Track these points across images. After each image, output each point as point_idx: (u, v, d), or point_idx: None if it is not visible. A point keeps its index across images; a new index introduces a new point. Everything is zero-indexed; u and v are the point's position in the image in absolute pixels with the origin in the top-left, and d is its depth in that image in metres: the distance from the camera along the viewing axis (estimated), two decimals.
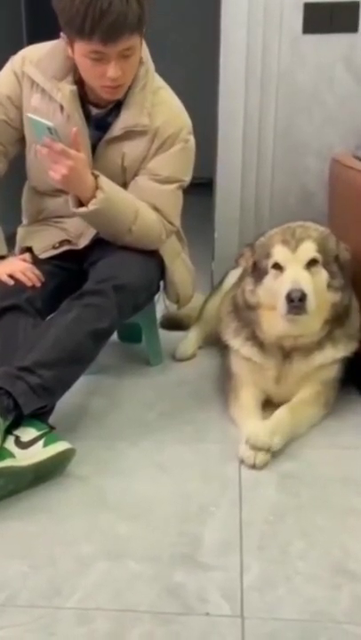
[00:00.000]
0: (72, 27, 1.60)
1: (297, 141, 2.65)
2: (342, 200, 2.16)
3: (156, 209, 1.84)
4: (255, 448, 1.60)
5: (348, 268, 1.82)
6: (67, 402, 1.73)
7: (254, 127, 2.65)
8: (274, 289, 1.72)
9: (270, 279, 1.74)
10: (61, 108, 1.78)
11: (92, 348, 1.72)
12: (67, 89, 1.76)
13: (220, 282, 2.33)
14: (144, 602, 1.21)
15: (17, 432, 1.51)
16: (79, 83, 1.78)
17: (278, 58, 2.55)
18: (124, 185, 1.85)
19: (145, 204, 1.83)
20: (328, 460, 1.65)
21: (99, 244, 1.90)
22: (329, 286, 1.75)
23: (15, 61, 1.83)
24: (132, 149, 1.82)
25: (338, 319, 1.80)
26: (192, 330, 2.36)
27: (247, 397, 1.83)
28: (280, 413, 1.72)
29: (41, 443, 1.51)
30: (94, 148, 1.83)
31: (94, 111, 1.82)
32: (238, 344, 1.88)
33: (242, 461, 1.62)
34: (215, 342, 2.21)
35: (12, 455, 1.47)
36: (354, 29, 2.48)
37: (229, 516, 1.44)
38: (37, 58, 1.80)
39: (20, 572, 1.29)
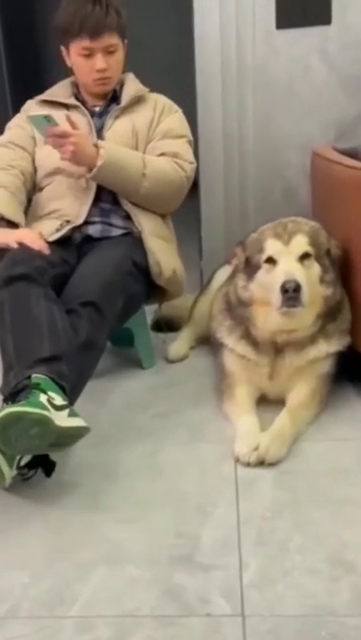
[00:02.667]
0: (67, 31, 2.00)
1: (277, 135, 2.65)
2: (325, 193, 2.17)
3: (174, 155, 2.08)
4: (266, 460, 1.60)
5: (338, 263, 1.83)
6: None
7: (233, 123, 2.66)
8: (267, 283, 1.73)
9: (263, 273, 1.75)
10: (67, 107, 2.09)
11: (78, 361, 1.70)
12: (72, 99, 2.14)
13: (209, 281, 2.33)
14: (144, 606, 1.21)
15: (49, 393, 1.49)
16: (78, 97, 2.14)
17: (253, 52, 2.56)
18: (135, 148, 2.08)
19: (150, 156, 2.06)
20: (322, 453, 1.66)
21: (89, 240, 2.03)
22: (321, 280, 1.76)
23: (25, 105, 2.20)
24: (139, 118, 2.11)
25: (330, 313, 1.81)
26: (183, 330, 2.36)
27: (242, 395, 1.83)
28: (281, 422, 1.71)
29: (67, 412, 1.51)
30: (102, 128, 2.08)
31: (96, 109, 2.13)
32: (232, 342, 1.89)
33: (237, 460, 1.62)
34: (207, 341, 2.22)
35: (47, 409, 1.44)
36: (327, 22, 2.48)
37: (227, 515, 1.45)
38: (42, 94, 2.18)
39: (20, 582, 1.29)
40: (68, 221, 2.03)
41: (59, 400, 1.49)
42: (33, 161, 2.11)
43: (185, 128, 2.18)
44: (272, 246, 1.74)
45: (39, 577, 1.30)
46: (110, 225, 2.07)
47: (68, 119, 1.94)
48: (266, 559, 1.31)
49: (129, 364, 2.26)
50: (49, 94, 2.17)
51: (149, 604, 1.22)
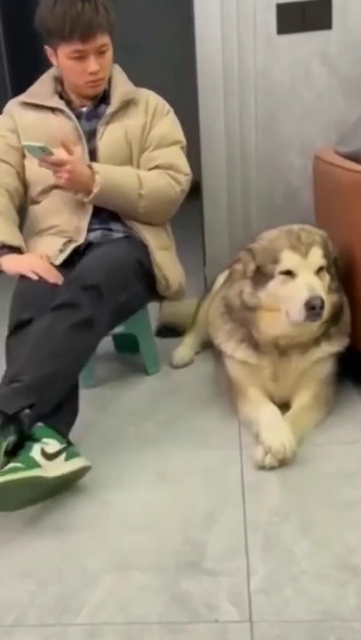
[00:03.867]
0: (54, 33, 1.89)
1: (279, 138, 2.66)
2: (327, 196, 2.17)
3: (169, 167, 2.04)
4: (266, 468, 1.60)
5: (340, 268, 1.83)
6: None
7: (235, 127, 2.67)
8: (282, 294, 1.71)
9: (278, 284, 1.72)
10: (52, 111, 2.03)
11: (76, 340, 1.72)
12: (55, 98, 2.06)
13: (211, 286, 2.33)
14: (152, 613, 1.21)
15: (42, 442, 1.51)
16: (63, 96, 2.07)
17: (254, 57, 2.57)
18: (129, 159, 2.05)
19: (143, 171, 2.03)
20: (328, 457, 1.66)
21: (90, 246, 2.02)
22: (329, 288, 1.76)
23: (6, 106, 2.12)
24: (131, 123, 2.04)
25: (334, 317, 1.81)
26: (187, 336, 2.36)
27: (254, 393, 1.82)
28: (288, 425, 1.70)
29: (63, 456, 1.53)
30: (93, 134, 2.03)
31: (82, 109, 2.05)
32: (232, 347, 1.88)
33: (263, 467, 1.61)
34: (211, 346, 2.22)
35: (38, 465, 1.47)
36: (328, 26, 2.49)
37: (233, 521, 1.45)
38: (24, 94, 2.10)
39: (27, 590, 1.29)
40: (69, 240, 2.01)
41: (54, 445, 1.52)
42: (19, 173, 2.06)
43: (177, 131, 2.12)
44: (290, 259, 1.70)
45: (46, 585, 1.30)
46: (110, 230, 2.07)
47: (64, 145, 1.89)
48: (273, 564, 1.31)
49: (134, 370, 2.26)
50: (31, 95, 2.08)
51: (157, 610, 1.22)
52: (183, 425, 1.87)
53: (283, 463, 1.61)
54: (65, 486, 1.54)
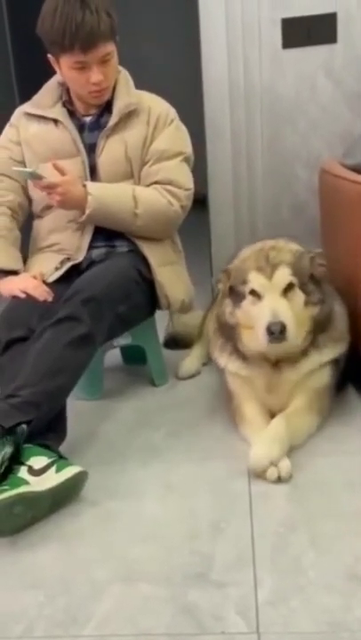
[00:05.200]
0: (55, 44, 1.84)
1: (285, 151, 2.68)
2: (333, 209, 2.18)
3: (169, 182, 1.99)
4: (258, 474, 1.61)
5: (326, 279, 1.82)
6: (73, 426, 1.75)
7: (242, 141, 2.69)
8: (252, 314, 1.74)
9: (248, 304, 1.76)
10: (55, 122, 2.01)
11: (75, 355, 1.74)
12: (57, 107, 2.03)
13: (216, 297, 2.34)
14: (159, 624, 1.21)
15: (29, 462, 1.53)
16: (67, 104, 2.04)
17: (260, 71, 2.60)
18: (130, 174, 2.01)
19: (140, 187, 1.99)
20: (334, 467, 1.65)
21: (93, 263, 2.01)
22: (307, 303, 1.76)
23: (13, 116, 2.12)
24: (132, 135, 1.99)
25: (320, 327, 1.81)
26: (194, 348, 2.37)
27: (251, 412, 1.83)
28: (274, 425, 1.72)
29: (53, 469, 1.53)
30: (94, 148, 2.00)
31: (86, 119, 2.03)
32: (224, 361, 1.91)
33: (254, 465, 1.62)
34: None
35: (26, 482, 1.49)
36: (333, 40, 2.51)
37: (240, 532, 1.45)
38: (30, 102, 2.09)
39: (35, 601, 1.30)
40: (67, 258, 2.02)
41: (42, 461, 1.53)
42: (23, 187, 2.07)
43: (180, 142, 2.05)
44: (255, 280, 1.72)
45: (54, 596, 1.30)
46: (114, 247, 2.06)
47: (55, 166, 1.89)
48: (280, 575, 1.31)
49: (141, 381, 2.27)
50: (35, 104, 2.06)
51: (164, 622, 1.22)
52: (190, 436, 1.88)
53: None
54: (65, 496, 1.54)
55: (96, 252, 2.04)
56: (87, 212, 1.92)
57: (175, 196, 2.00)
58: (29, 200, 2.11)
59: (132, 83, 2.06)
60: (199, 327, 2.39)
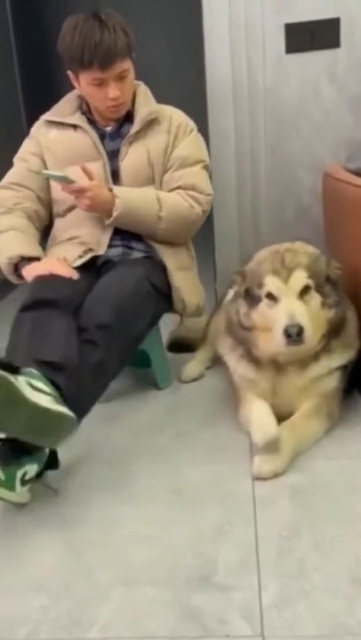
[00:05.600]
0: (74, 61, 1.93)
1: (288, 156, 2.69)
2: (336, 213, 2.18)
3: (191, 187, 2.05)
4: (260, 479, 1.62)
5: (341, 282, 1.83)
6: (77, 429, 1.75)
7: (245, 146, 2.69)
8: (269, 317, 1.74)
9: (264, 307, 1.76)
10: (74, 128, 2.08)
11: (92, 382, 1.73)
12: (77, 115, 2.11)
13: (221, 301, 2.35)
14: (163, 627, 1.21)
15: (32, 380, 1.47)
16: (87, 114, 2.11)
17: (263, 76, 2.61)
18: (152, 180, 2.07)
19: (164, 192, 2.05)
20: (339, 471, 1.65)
21: (109, 263, 2.05)
22: (323, 305, 1.76)
23: (32, 128, 2.17)
24: (153, 142, 2.06)
25: (334, 331, 1.81)
26: (198, 351, 2.37)
27: (253, 396, 1.84)
28: (281, 433, 1.71)
29: (48, 398, 1.47)
30: (116, 154, 2.06)
31: (107, 129, 2.09)
32: (234, 361, 1.91)
33: (259, 477, 1.63)
34: (221, 360, 2.23)
35: (17, 381, 1.42)
36: (336, 45, 2.52)
37: (244, 535, 1.45)
38: (49, 112, 2.15)
39: (39, 605, 1.29)
40: (90, 249, 2.05)
41: (41, 386, 1.46)
42: (40, 197, 2.11)
43: (201, 150, 2.14)
44: (271, 284, 1.73)
45: (58, 599, 1.30)
46: (131, 249, 2.09)
47: (84, 170, 1.93)
48: (285, 579, 1.30)
49: (145, 384, 2.27)
50: (55, 113, 2.13)
51: (168, 625, 1.22)
52: (194, 439, 1.88)
53: (276, 472, 1.63)
54: (43, 427, 1.44)
55: (113, 251, 2.07)
56: (115, 214, 1.95)
57: (197, 200, 2.05)
58: (46, 210, 2.15)
59: (151, 95, 2.14)
60: (203, 331, 2.39)
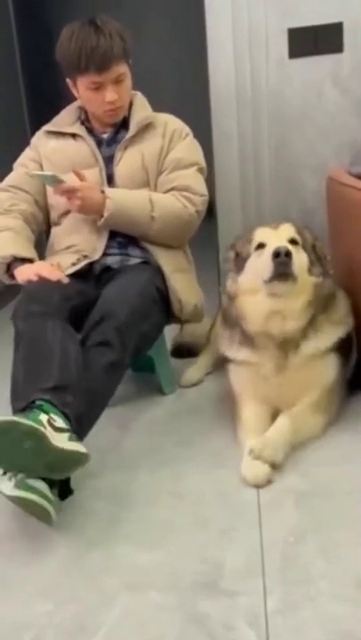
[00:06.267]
0: (72, 67, 1.96)
1: (292, 159, 2.69)
2: (340, 216, 2.18)
3: (185, 188, 2.06)
4: (261, 459, 1.64)
5: (328, 263, 1.86)
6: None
7: (249, 150, 2.70)
8: (258, 267, 1.76)
9: (253, 260, 1.79)
10: (73, 137, 2.11)
11: (107, 382, 1.79)
12: (76, 125, 2.14)
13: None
14: (169, 633, 1.21)
15: (52, 415, 1.50)
16: (86, 122, 2.14)
17: (267, 80, 2.61)
18: (146, 183, 2.08)
19: (157, 193, 2.06)
20: (343, 475, 1.65)
21: (109, 270, 2.05)
22: (309, 271, 1.79)
23: (33, 138, 2.22)
24: (148, 147, 2.08)
25: (322, 304, 1.82)
26: (201, 356, 2.38)
27: (249, 418, 1.84)
28: (280, 424, 1.74)
29: (67, 435, 1.50)
30: (112, 159, 2.08)
31: (104, 136, 2.12)
32: (234, 351, 1.91)
33: (245, 480, 1.63)
34: (225, 365, 2.23)
35: (42, 425, 1.44)
36: (339, 50, 2.52)
37: (250, 541, 1.44)
38: (49, 123, 2.19)
39: (44, 610, 1.30)
40: (85, 256, 2.05)
41: (60, 423, 1.50)
42: (37, 201, 2.14)
43: (195, 154, 2.15)
44: (261, 233, 1.79)
45: (63, 604, 1.31)
46: (128, 255, 2.10)
47: (75, 172, 1.95)
48: (290, 585, 1.30)
49: (150, 390, 2.27)
50: (55, 123, 2.17)
51: (174, 631, 1.22)
52: (199, 444, 1.88)
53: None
54: (61, 467, 1.49)
55: (111, 259, 2.07)
56: (105, 214, 1.97)
57: (190, 200, 2.06)
58: (43, 214, 2.16)
59: (147, 104, 2.17)
60: (207, 335, 2.39)
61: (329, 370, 1.85)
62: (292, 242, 1.76)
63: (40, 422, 1.45)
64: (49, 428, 1.46)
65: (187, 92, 4.69)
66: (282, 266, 1.68)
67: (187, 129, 2.16)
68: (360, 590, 1.27)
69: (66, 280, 1.92)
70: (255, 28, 2.55)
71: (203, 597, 1.29)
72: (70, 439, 1.50)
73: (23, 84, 4.24)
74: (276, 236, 1.76)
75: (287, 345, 1.81)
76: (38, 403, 1.52)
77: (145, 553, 1.43)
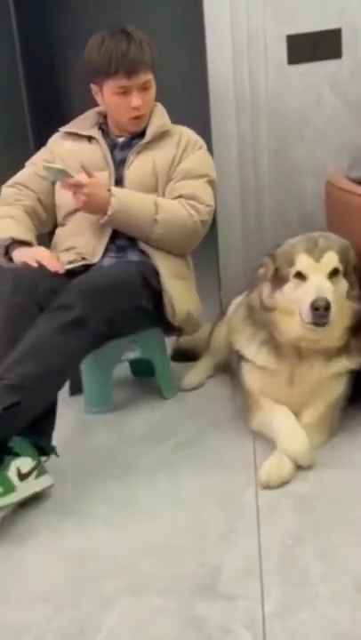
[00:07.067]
0: (100, 72, 2.02)
1: (291, 164, 2.70)
2: (339, 221, 2.19)
3: (192, 197, 2.08)
4: (268, 487, 1.64)
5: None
6: (82, 438, 1.77)
7: (248, 154, 2.71)
8: (294, 297, 1.74)
9: (291, 287, 1.76)
10: (89, 140, 2.16)
11: (63, 339, 1.75)
12: (94, 129, 2.19)
13: (225, 310, 2.36)
14: (167, 636, 1.22)
15: (18, 462, 1.59)
16: (103, 125, 2.20)
17: (266, 86, 2.62)
18: (154, 188, 2.10)
19: (163, 198, 2.08)
20: (343, 480, 1.65)
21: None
22: (349, 295, 1.77)
23: (51, 138, 2.27)
24: (161, 154, 2.12)
25: (356, 329, 1.81)
26: (201, 360, 2.38)
27: (269, 401, 1.85)
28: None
29: (34, 474, 1.61)
30: (124, 162, 2.12)
31: (119, 140, 2.16)
32: (253, 352, 1.89)
33: (266, 485, 1.64)
34: (226, 370, 2.24)
35: (13, 489, 1.57)
36: (338, 56, 2.54)
37: (248, 544, 1.45)
38: (68, 124, 2.24)
39: (43, 614, 1.30)
40: (83, 258, 2.07)
41: (28, 464, 1.60)
42: (40, 200, 2.17)
43: (207, 166, 2.17)
44: (303, 262, 1.74)
45: (62, 608, 1.31)
46: (127, 258, 2.10)
47: (84, 168, 1.98)
48: (288, 588, 1.31)
49: (150, 394, 2.27)
50: (73, 125, 2.23)
51: (172, 634, 1.22)
52: (198, 448, 1.88)
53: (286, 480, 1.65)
54: (28, 501, 1.63)
55: (107, 261, 2.09)
56: (109, 212, 1.98)
57: (196, 209, 2.07)
58: (48, 214, 2.20)
59: (166, 114, 2.20)
60: (207, 340, 2.40)
61: (341, 387, 1.85)
62: (335, 272, 1.74)
63: (11, 487, 1.56)
64: (18, 482, 1.57)
65: (185, 97, 4.70)
66: (319, 317, 1.67)
67: (201, 141, 2.20)
68: (358, 593, 1.27)
69: (62, 270, 1.96)
70: (254, 35, 2.56)
71: (201, 601, 1.29)
72: (38, 475, 1.61)
73: (25, 88, 4.26)
74: (318, 270, 1.72)
75: (315, 356, 1.81)
76: (10, 446, 1.61)
77: (144, 557, 1.44)
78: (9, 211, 2.11)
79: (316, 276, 1.72)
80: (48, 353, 1.71)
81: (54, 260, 1.97)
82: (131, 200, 2.02)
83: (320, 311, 1.66)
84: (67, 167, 2.06)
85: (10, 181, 2.21)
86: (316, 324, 1.68)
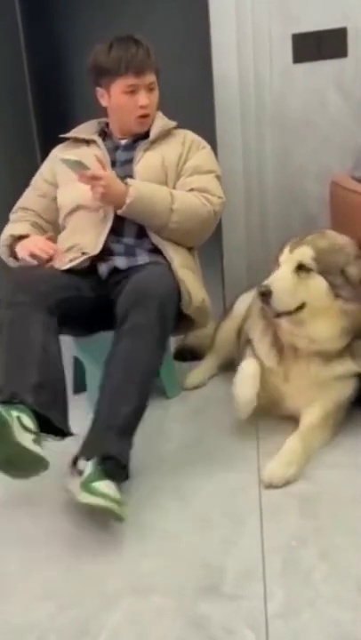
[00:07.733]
0: (108, 73, 2.11)
1: (295, 165, 2.69)
2: (344, 221, 2.19)
3: (204, 190, 2.14)
4: (272, 487, 1.64)
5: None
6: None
7: (252, 155, 2.70)
8: None
9: None
10: (87, 143, 2.23)
11: (153, 359, 1.82)
12: (94, 135, 2.26)
13: (230, 308, 2.36)
14: (170, 636, 1.22)
15: (22, 415, 1.54)
16: (105, 128, 2.27)
17: (270, 86, 2.62)
18: (164, 183, 2.15)
19: (177, 190, 2.13)
20: (346, 480, 1.66)
21: (118, 272, 2.06)
22: (336, 296, 1.75)
23: (54, 149, 2.32)
24: (168, 151, 2.19)
25: (357, 330, 1.80)
26: (206, 359, 2.38)
27: (248, 366, 1.90)
28: (291, 444, 1.73)
29: (31, 437, 1.53)
30: (129, 162, 2.16)
31: (122, 141, 2.22)
32: (264, 352, 1.91)
33: (270, 484, 1.64)
34: (230, 368, 2.23)
35: (11, 417, 1.51)
36: (343, 54, 2.53)
37: (251, 545, 1.45)
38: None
39: (47, 613, 1.31)
40: (84, 253, 2.07)
41: (28, 423, 1.54)
42: (40, 216, 2.26)
43: (212, 163, 2.24)
44: (284, 252, 1.81)
45: (65, 607, 1.32)
46: (135, 256, 2.10)
47: (98, 160, 2.01)
48: (291, 589, 1.31)
49: (153, 393, 2.27)
50: (72, 131, 2.28)
51: (175, 634, 1.22)
52: (202, 448, 1.89)
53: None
54: (20, 466, 1.53)
55: (118, 260, 2.08)
56: (128, 201, 2.01)
57: (209, 200, 2.13)
58: (51, 226, 2.26)
59: (167, 120, 2.27)
60: (211, 338, 2.39)
61: (347, 390, 1.86)
62: (301, 266, 1.74)
63: (9, 414, 1.50)
64: (16, 422, 1.51)
65: (191, 98, 4.70)
66: (265, 304, 1.74)
67: (204, 142, 2.28)
68: (360, 593, 1.27)
69: (59, 255, 2.02)
70: (259, 34, 2.56)
71: (204, 601, 1.30)
72: (35, 442, 1.54)
73: (31, 95, 4.26)
74: (287, 261, 1.76)
75: (316, 358, 1.82)
76: (15, 401, 1.57)
77: (147, 557, 1.44)
78: (14, 225, 2.22)
79: (282, 267, 1.76)
80: (150, 377, 1.80)
81: (47, 245, 2.05)
82: (147, 190, 2.07)
83: (264, 297, 1.72)
84: (67, 173, 2.07)
85: (14, 207, 2.30)
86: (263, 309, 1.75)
